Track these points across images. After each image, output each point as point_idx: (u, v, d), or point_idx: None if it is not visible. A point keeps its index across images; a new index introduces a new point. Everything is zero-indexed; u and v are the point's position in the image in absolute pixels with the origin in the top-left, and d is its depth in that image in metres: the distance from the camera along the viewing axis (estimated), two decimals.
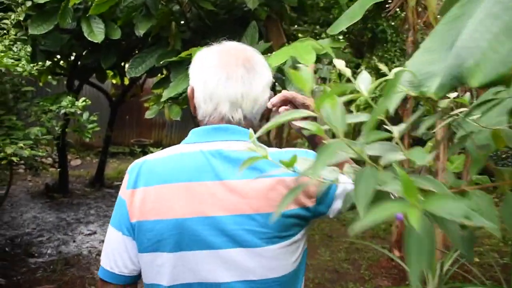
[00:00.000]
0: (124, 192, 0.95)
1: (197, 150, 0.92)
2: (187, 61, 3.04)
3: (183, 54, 2.56)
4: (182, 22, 3.73)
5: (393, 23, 6.07)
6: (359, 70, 6.30)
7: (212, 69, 0.94)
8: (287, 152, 0.90)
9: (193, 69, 0.99)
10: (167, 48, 3.30)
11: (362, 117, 0.60)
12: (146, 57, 3.21)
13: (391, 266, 4.11)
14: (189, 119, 7.66)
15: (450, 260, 2.92)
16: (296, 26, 5.37)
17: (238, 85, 0.92)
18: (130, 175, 0.96)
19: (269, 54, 3.08)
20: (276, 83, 3.09)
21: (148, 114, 3.17)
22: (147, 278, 0.95)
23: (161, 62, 2.95)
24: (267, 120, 1.01)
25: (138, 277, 0.98)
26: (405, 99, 3.53)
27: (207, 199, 0.87)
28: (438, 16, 3.33)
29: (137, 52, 3.98)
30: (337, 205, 0.93)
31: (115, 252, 0.95)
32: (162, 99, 2.71)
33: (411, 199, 0.40)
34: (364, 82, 0.63)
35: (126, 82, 5.96)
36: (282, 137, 8.26)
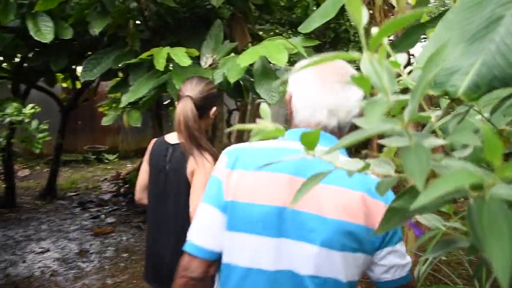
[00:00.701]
0: (221, 172, 1.03)
1: (297, 148, 0.95)
2: (147, 63, 2.79)
3: (143, 56, 2.32)
4: (139, 22, 3.47)
5: (351, 24, 6.03)
6: None
7: (312, 79, 1.02)
8: (367, 176, 0.97)
9: (294, 78, 1.07)
10: (125, 49, 3.04)
11: (403, 96, 0.50)
12: (102, 59, 2.94)
13: None
14: (147, 123, 7.35)
15: (427, 261, 2.85)
16: (257, 26, 5.20)
17: (335, 96, 1.00)
18: (229, 157, 1.04)
19: (232, 55, 2.88)
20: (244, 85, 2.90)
21: (105, 121, 2.90)
22: (227, 257, 1.00)
23: (119, 65, 2.68)
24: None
25: (220, 255, 1.02)
26: None
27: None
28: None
29: (90, 53, 3.67)
30: (387, 259, 0.98)
31: (208, 228, 1.01)
32: (121, 105, 2.46)
33: (496, 162, 0.32)
34: (402, 59, 0.59)
35: (78, 85, 5.58)
36: (243, 139, 8.11)
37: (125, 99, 2.42)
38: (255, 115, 8.88)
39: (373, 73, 0.46)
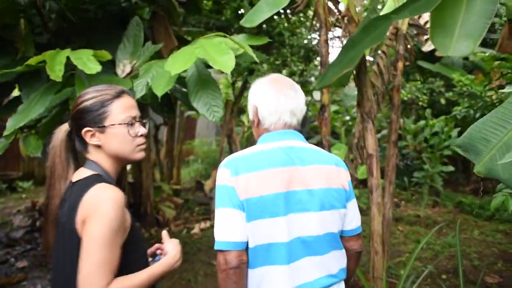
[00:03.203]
0: (229, 180, 1.29)
1: (276, 147, 1.34)
2: (44, 73, 2.15)
3: (32, 61, 1.70)
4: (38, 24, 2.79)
5: (284, 26, 5.67)
6: (253, 76, 5.78)
7: (273, 91, 1.40)
8: (331, 154, 1.48)
9: (255, 93, 1.44)
10: (16, 57, 2.37)
11: None
12: None
13: None
14: None
15: None
16: (183, 28, 4.63)
17: (293, 101, 1.40)
18: (230, 168, 1.30)
19: (153, 61, 2.29)
20: (177, 98, 2.34)
21: None
22: (252, 243, 1.27)
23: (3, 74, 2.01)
24: (303, 126, 1.45)
25: (247, 244, 1.28)
26: (322, 107, 3.05)
27: (292, 178, 1.30)
28: (358, 9, 2.88)
29: None
30: (352, 209, 1.43)
31: (232, 225, 1.26)
32: (6, 132, 1.82)
33: None
34: None
35: None
36: (173, 155, 7.52)
37: (12, 123, 1.78)
38: (185, 128, 8.30)
39: None
